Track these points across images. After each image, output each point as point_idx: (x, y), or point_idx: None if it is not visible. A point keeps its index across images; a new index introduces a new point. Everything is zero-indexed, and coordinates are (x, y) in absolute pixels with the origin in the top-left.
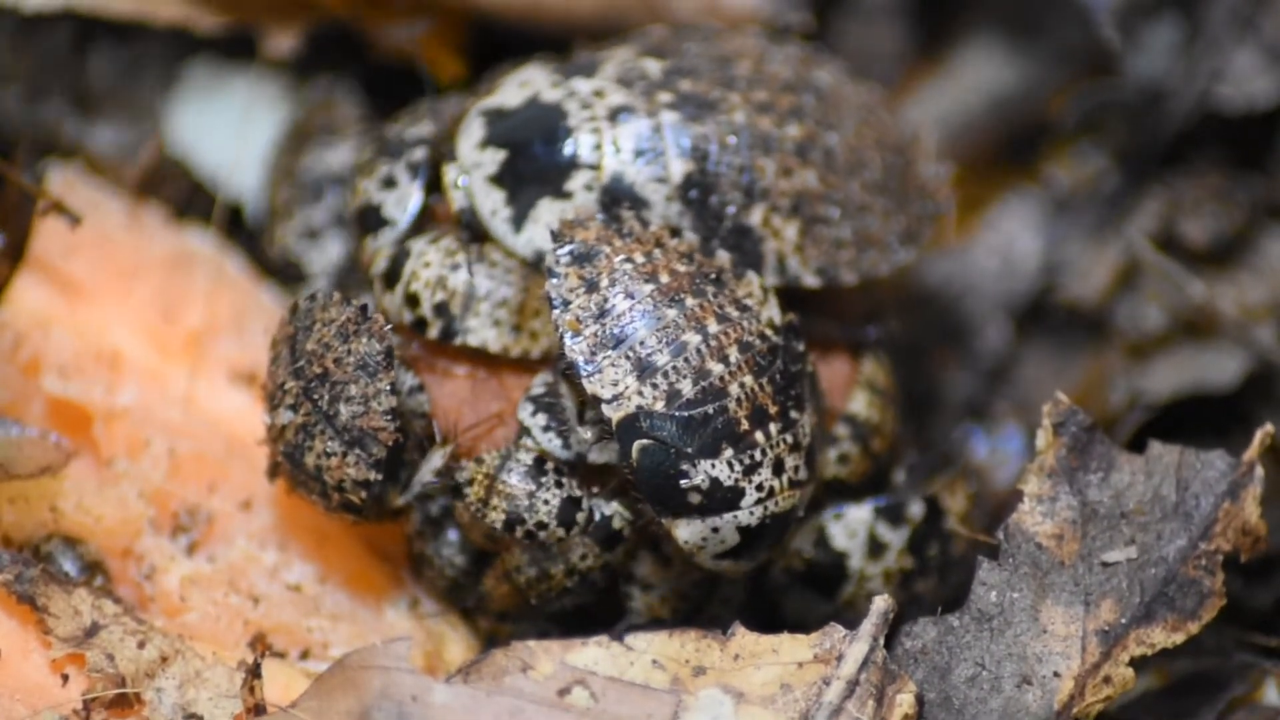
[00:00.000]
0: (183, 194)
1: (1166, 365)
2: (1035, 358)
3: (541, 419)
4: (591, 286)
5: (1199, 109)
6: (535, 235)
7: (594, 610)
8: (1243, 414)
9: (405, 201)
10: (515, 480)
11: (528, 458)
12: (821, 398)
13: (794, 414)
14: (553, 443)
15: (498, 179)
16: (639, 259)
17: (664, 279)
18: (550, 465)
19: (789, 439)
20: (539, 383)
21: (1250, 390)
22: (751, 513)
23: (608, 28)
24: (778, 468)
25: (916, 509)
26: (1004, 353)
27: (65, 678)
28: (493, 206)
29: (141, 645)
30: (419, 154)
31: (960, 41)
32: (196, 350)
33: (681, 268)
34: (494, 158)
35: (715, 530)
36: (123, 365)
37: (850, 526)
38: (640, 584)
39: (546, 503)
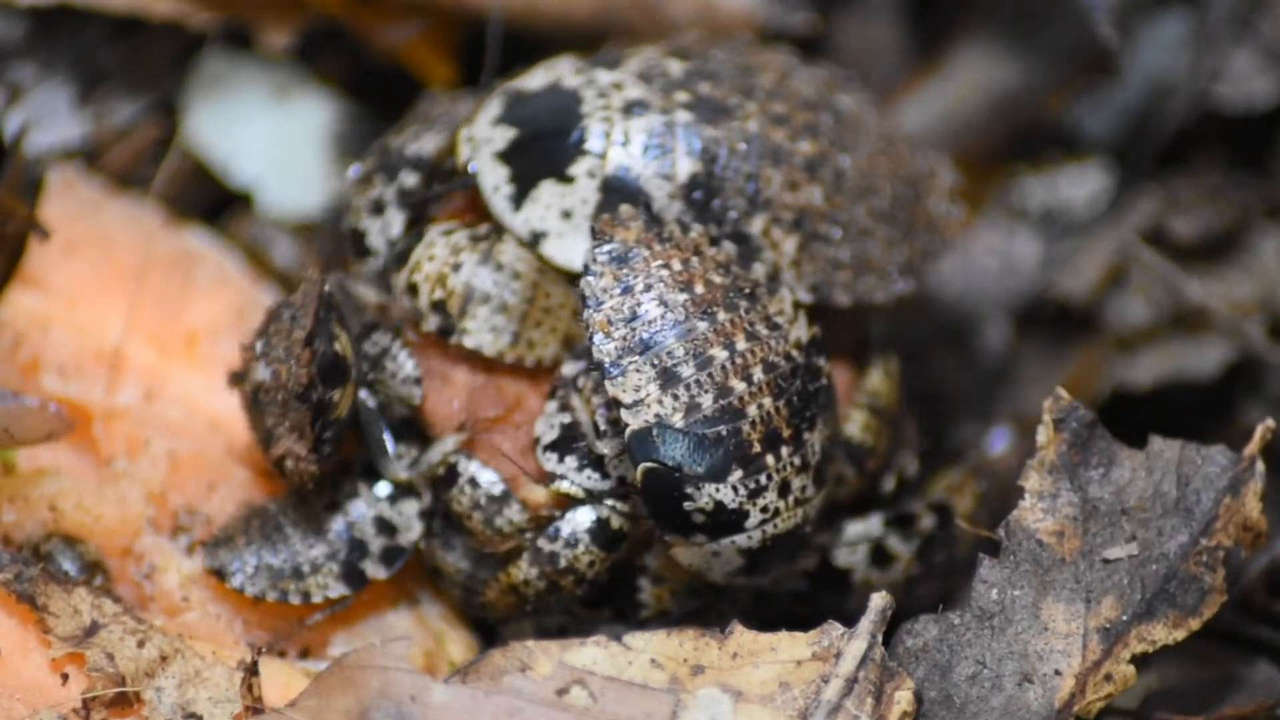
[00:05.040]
0: (202, 191)
1: (1150, 356)
2: (1033, 356)
3: (571, 461)
4: (626, 289)
5: (1198, 108)
6: (533, 215)
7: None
8: (1225, 406)
9: (388, 231)
10: (546, 544)
11: (567, 528)
12: (837, 405)
13: (806, 435)
14: (591, 479)
15: (504, 155)
16: (676, 266)
17: (699, 289)
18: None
19: (797, 461)
20: (546, 425)
21: (1233, 383)
22: (750, 536)
23: (602, 30)
24: (784, 490)
25: (929, 521)
26: (1004, 352)
27: (65, 677)
28: (495, 182)
29: (141, 645)
30: (411, 180)
31: (960, 41)
32: (196, 350)
33: (717, 279)
34: (504, 135)
35: (716, 554)
36: (123, 365)
37: (851, 542)
38: (651, 576)
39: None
